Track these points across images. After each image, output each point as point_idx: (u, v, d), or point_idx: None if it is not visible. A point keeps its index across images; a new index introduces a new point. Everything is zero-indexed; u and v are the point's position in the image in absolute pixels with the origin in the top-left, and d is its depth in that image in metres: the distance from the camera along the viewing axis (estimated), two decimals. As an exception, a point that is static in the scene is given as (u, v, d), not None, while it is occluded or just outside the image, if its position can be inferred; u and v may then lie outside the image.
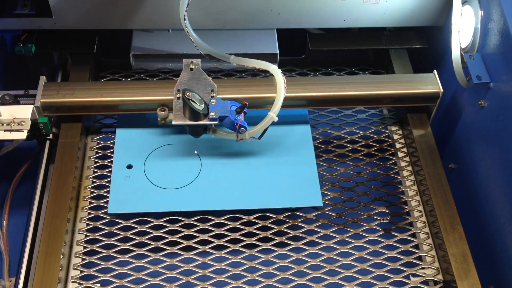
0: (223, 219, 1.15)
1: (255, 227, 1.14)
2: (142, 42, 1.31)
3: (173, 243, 1.12)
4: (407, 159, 1.27)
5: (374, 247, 1.13)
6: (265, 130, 1.14)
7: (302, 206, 1.16)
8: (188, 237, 1.13)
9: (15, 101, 1.17)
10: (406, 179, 1.24)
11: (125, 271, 1.08)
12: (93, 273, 1.08)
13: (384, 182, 1.24)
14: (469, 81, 1.18)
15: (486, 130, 1.13)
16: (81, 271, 1.08)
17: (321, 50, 1.37)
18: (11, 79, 1.37)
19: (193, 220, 1.14)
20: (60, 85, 1.21)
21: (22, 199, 1.22)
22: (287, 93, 1.15)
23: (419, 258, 1.15)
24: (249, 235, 1.14)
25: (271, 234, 1.14)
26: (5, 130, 1.12)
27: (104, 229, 1.12)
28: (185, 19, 1.17)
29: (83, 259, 1.10)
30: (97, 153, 1.23)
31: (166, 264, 1.09)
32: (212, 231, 1.13)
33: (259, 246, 1.13)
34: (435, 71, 1.25)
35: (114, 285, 1.06)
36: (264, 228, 1.15)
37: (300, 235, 1.14)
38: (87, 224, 1.14)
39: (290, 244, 1.13)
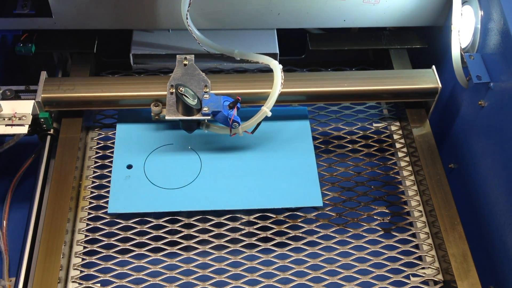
0: (223, 219, 1.15)
1: (255, 227, 1.14)
2: (142, 42, 1.31)
3: (173, 243, 1.12)
4: (407, 159, 1.27)
5: (374, 247, 1.13)
6: (258, 125, 1.14)
7: (302, 206, 1.16)
8: (188, 237, 1.13)
9: (16, 96, 1.17)
10: (406, 179, 1.24)
11: (125, 271, 1.08)
12: (93, 273, 1.08)
13: (384, 182, 1.24)
14: (469, 81, 1.18)
15: (486, 130, 1.13)
16: (81, 271, 1.08)
17: (321, 50, 1.37)
18: (11, 79, 1.37)
19: (193, 220, 1.14)
20: (61, 80, 1.21)
21: (22, 199, 1.23)
22: (286, 88, 1.15)
23: (419, 258, 1.15)
24: (249, 235, 1.14)
25: (271, 234, 1.14)
26: (6, 125, 1.13)
27: (104, 229, 1.12)
28: (187, 18, 1.17)
29: (83, 259, 1.10)
30: (97, 153, 1.23)
31: (166, 264, 1.09)
32: (212, 231, 1.13)
33: (259, 246, 1.13)
34: (433, 66, 1.25)
35: (114, 285, 1.06)
36: (264, 228, 1.14)
37: (300, 235, 1.14)
38: (87, 224, 1.13)
39: (290, 244, 1.13)
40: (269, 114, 1.12)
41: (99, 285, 1.07)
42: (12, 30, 1.30)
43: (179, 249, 1.11)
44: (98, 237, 1.11)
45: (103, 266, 1.09)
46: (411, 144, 1.26)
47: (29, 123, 1.14)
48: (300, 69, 1.42)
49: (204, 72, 1.18)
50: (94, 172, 1.20)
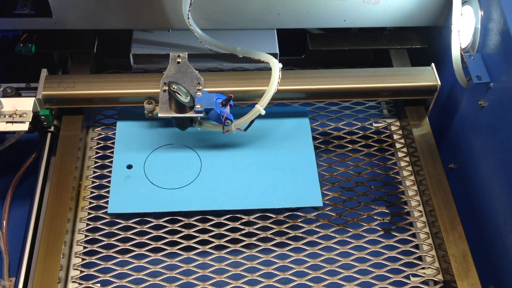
0: (223, 219, 1.15)
1: (255, 227, 1.14)
2: (142, 42, 1.31)
3: (173, 243, 1.12)
4: (407, 159, 1.27)
5: (374, 247, 1.13)
6: (251, 122, 1.15)
7: (302, 206, 1.16)
8: (188, 237, 1.13)
9: (16, 93, 1.18)
10: (406, 179, 1.24)
11: (125, 271, 1.08)
12: (93, 273, 1.08)
13: (384, 182, 1.24)
14: (469, 81, 1.18)
15: (486, 130, 1.13)
16: (81, 271, 1.08)
17: (321, 50, 1.37)
18: (11, 79, 1.37)
19: (193, 220, 1.14)
20: (61, 78, 1.22)
21: (22, 199, 1.23)
22: (286, 86, 1.16)
23: (419, 258, 1.15)
24: (249, 235, 1.14)
25: (271, 234, 1.14)
26: (7, 122, 1.14)
27: (104, 229, 1.12)
28: (188, 17, 1.17)
29: (83, 259, 1.10)
30: (97, 153, 1.23)
31: (166, 264, 1.09)
32: (212, 231, 1.13)
33: (259, 246, 1.13)
34: (432, 64, 1.26)
35: (114, 285, 1.06)
36: (264, 228, 1.15)
37: (300, 235, 1.14)
38: (87, 224, 1.14)
39: (290, 244, 1.13)
40: (263, 112, 1.12)
41: (99, 285, 1.07)
42: (12, 30, 1.30)
43: (179, 249, 1.11)
44: (98, 237, 1.11)
45: (103, 266, 1.09)
46: (411, 144, 1.26)
47: (30, 120, 1.14)
48: (300, 69, 1.42)
49: (202, 71, 1.18)
50: (94, 172, 1.20)
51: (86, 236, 1.12)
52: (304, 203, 1.15)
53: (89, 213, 1.15)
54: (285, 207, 1.15)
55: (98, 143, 1.25)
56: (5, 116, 1.14)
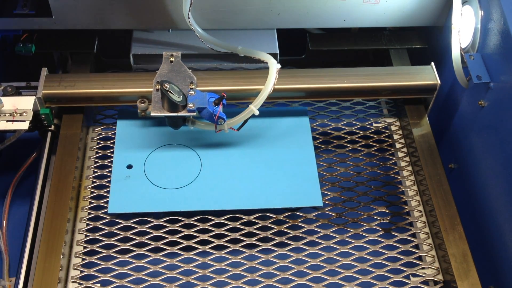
0: (223, 219, 1.15)
1: (255, 227, 1.14)
2: (142, 42, 1.31)
3: (173, 243, 1.12)
4: (407, 159, 1.27)
5: (374, 247, 1.13)
6: (244, 122, 1.15)
7: (302, 206, 1.16)
8: (188, 237, 1.13)
9: (17, 92, 1.18)
10: (406, 179, 1.24)
11: (125, 271, 1.08)
12: (93, 273, 1.08)
13: (384, 182, 1.24)
14: (469, 81, 1.18)
15: (486, 130, 1.13)
16: (81, 271, 1.08)
17: (321, 50, 1.37)
18: (11, 79, 1.37)
19: (193, 220, 1.14)
20: (61, 76, 1.22)
21: (22, 198, 1.23)
22: (285, 84, 1.16)
23: (419, 258, 1.15)
24: (249, 235, 1.14)
25: (271, 234, 1.14)
26: (7, 121, 1.14)
27: (104, 229, 1.12)
28: (189, 17, 1.17)
29: (83, 259, 1.10)
30: (97, 153, 1.23)
31: (166, 264, 1.09)
32: (212, 231, 1.13)
33: (259, 246, 1.13)
34: (432, 63, 1.26)
35: (114, 285, 1.06)
36: (264, 228, 1.15)
37: (300, 235, 1.14)
38: (87, 224, 1.14)
39: (290, 244, 1.13)
40: (256, 113, 1.12)
41: (99, 285, 1.07)
42: (12, 30, 1.30)
43: (179, 249, 1.11)
44: (98, 237, 1.11)
45: (103, 266, 1.09)
46: (411, 144, 1.26)
47: (30, 119, 1.14)
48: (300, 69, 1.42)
49: (202, 71, 1.18)
50: (94, 172, 1.20)
51: (86, 236, 1.12)
52: (304, 203, 1.15)
53: (89, 213, 1.15)
54: (285, 207, 1.15)
55: (98, 143, 1.25)
56: (5, 115, 1.14)
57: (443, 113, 1.31)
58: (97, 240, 1.11)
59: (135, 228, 1.13)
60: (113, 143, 1.22)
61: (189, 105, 1.11)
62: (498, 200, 1.09)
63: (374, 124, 1.32)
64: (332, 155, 1.26)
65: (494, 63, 1.10)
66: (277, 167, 1.19)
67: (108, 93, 1.20)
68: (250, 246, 1.13)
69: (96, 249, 1.10)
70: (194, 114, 1.11)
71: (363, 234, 1.15)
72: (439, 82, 1.23)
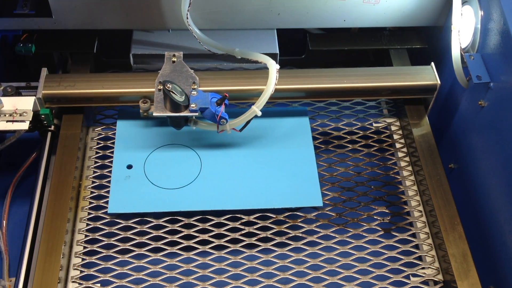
0: (223, 219, 1.15)
1: (255, 227, 1.14)
2: (142, 42, 1.31)
3: (173, 243, 1.12)
4: (407, 159, 1.27)
5: (374, 247, 1.13)
6: (247, 123, 1.14)
7: (302, 206, 1.16)
8: (188, 237, 1.13)
9: (17, 92, 1.18)
10: (406, 179, 1.24)
11: (125, 271, 1.08)
12: (93, 273, 1.08)
13: (384, 182, 1.24)
14: (469, 81, 1.18)
15: (486, 130, 1.13)
16: (81, 271, 1.08)
17: (321, 50, 1.37)
18: (11, 79, 1.37)
19: (193, 220, 1.14)
20: (61, 77, 1.22)
21: (22, 198, 1.23)
22: (286, 85, 1.16)
23: (419, 258, 1.15)
24: (249, 235, 1.14)
25: (271, 234, 1.14)
26: (7, 121, 1.14)
27: (104, 229, 1.12)
28: (187, 17, 1.17)
29: (83, 259, 1.10)
30: (97, 153, 1.23)
31: (166, 264, 1.09)
32: (212, 231, 1.13)
33: (259, 246, 1.13)
34: (432, 63, 1.26)
35: (114, 285, 1.06)
36: (264, 228, 1.15)
37: (300, 235, 1.14)
38: (87, 224, 1.14)
39: (290, 244, 1.13)
40: (259, 113, 1.12)
41: (99, 285, 1.07)
42: (12, 30, 1.30)
43: (179, 249, 1.11)
44: (98, 237, 1.11)
45: (103, 266, 1.09)
46: (411, 144, 1.26)
47: (30, 119, 1.14)
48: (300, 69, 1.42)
49: (202, 71, 1.18)
50: (94, 172, 1.20)
51: (86, 236, 1.12)
52: (304, 203, 1.15)
53: (89, 213, 1.15)
54: (285, 207, 1.15)
55: (98, 143, 1.25)
56: (5, 115, 1.14)
57: (443, 113, 1.31)
58: (97, 240, 1.11)
59: (135, 228, 1.13)
60: (113, 143, 1.22)
61: (191, 105, 1.11)
62: (498, 200, 1.09)
63: (374, 124, 1.32)
64: (332, 155, 1.26)
65: (494, 63, 1.10)
66: (277, 167, 1.19)
67: (108, 93, 1.20)
68: (250, 246, 1.13)
69: (96, 249, 1.10)
70: (197, 114, 1.11)
71: (363, 234, 1.15)
72: (439, 82, 1.23)
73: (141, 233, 1.12)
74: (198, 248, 1.12)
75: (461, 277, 1.05)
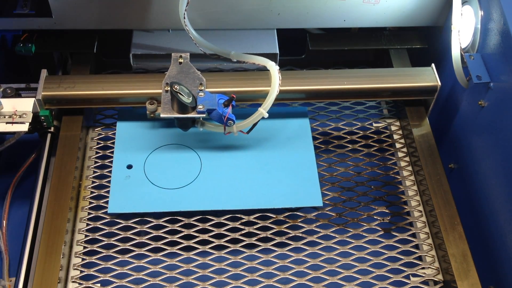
0: (223, 219, 1.15)
1: (255, 227, 1.14)
2: (142, 42, 1.31)
3: (173, 243, 1.12)
4: (407, 159, 1.27)
5: (374, 247, 1.13)
6: (254, 125, 1.14)
7: (302, 206, 1.16)
8: (188, 237, 1.13)
9: (16, 94, 1.18)
10: (406, 179, 1.24)
11: (125, 271, 1.08)
12: (93, 273, 1.08)
13: (384, 182, 1.24)
14: (469, 81, 1.18)
15: (486, 130, 1.13)
16: (81, 271, 1.08)
17: (321, 50, 1.37)
18: (11, 79, 1.37)
19: (193, 220, 1.14)
20: (61, 78, 1.22)
21: (22, 199, 1.23)
22: (286, 86, 1.15)
23: (419, 258, 1.15)
24: (249, 235, 1.14)
25: (271, 234, 1.14)
26: (7, 123, 1.14)
27: (104, 229, 1.12)
28: (184, 18, 1.17)
29: (83, 259, 1.10)
30: (97, 153, 1.23)
31: (166, 264, 1.09)
32: (212, 231, 1.13)
33: (259, 246, 1.13)
34: (433, 64, 1.26)
35: (114, 285, 1.06)
36: (264, 228, 1.15)
37: (300, 235, 1.14)
38: (87, 224, 1.14)
39: (290, 244, 1.13)
40: (266, 115, 1.12)
41: (99, 285, 1.07)
42: (12, 30, 1.30)
43: (179, 249, 1.11)
44: (98, 237, 1.11)
45: (103, 266, 1.09)
46: (411, 144, 1.26)
47: (30, 121, 1.14)
48: (300, 69, 1.42)
49: (202, 71, 1.18)
50: (94, 172, 1.20)
51: (86, 236, 1.12)
52: (304, 203, 1.15)
53: (89, 213, 1.15)
54: (285, 207, 1.15)
55: (98, 143, 1.25)
56: (5, 117, 1.14)
57: (443, 113, 1.31)
58: (97, 240, 1.11)
59: (135, 228, 1.13)
60: (113, 143, 1.22)
61: (198, 107, 1.10)
62: (498, 200, 1.09)
63: (374, 124, 1.32)
64: (332, 155, 1.26)
65: (494, 63, 1.10)
66: (277, 167, 1.19)
67: (108, 94, 1.20)
68: (250, 246, 1.13)
69: (96, 249, 1.10)
70: (204, 115, 1.11)
71: (363, 234, 1.15)
72: (439, 83, 1.23)
73: (141, 233, 1.12)
74: (198, 248, 1.12)
75: (461, 277, 1.05)
